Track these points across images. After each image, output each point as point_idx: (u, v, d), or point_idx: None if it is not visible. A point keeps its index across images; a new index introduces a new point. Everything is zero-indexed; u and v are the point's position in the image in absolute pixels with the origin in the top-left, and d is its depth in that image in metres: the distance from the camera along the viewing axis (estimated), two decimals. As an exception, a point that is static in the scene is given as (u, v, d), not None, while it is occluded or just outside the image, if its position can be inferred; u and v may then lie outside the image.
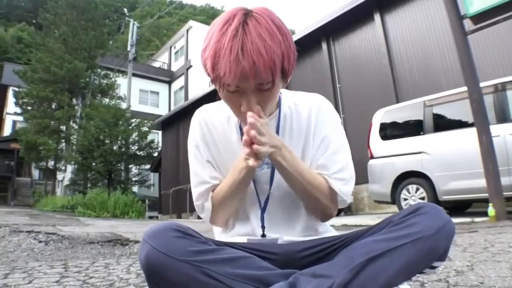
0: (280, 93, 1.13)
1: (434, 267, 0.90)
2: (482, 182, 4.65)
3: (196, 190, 1.09)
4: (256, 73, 0.86)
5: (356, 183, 1.09)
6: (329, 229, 1.14)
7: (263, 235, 1.05)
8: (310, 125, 1.09)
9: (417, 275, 0.91)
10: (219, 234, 1.16)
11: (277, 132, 1.07)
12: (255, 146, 0.88)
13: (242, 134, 1.06)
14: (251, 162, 0.89)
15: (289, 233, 1.06)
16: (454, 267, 1.92)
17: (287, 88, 1.05)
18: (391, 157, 6.04)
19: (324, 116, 1.10)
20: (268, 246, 1.01)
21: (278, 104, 1.10)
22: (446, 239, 0.86)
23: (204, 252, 0.85)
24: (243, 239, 1.05)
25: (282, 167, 0.98)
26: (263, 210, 1.06)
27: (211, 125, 1.12)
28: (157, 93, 30.92)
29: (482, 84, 4.87)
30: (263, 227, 1.05)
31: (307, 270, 0.84)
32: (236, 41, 0.85)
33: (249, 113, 0.89)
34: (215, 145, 1.11)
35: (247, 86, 0.89)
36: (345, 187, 1.04)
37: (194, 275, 0.82)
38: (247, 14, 0.89)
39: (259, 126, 0.89)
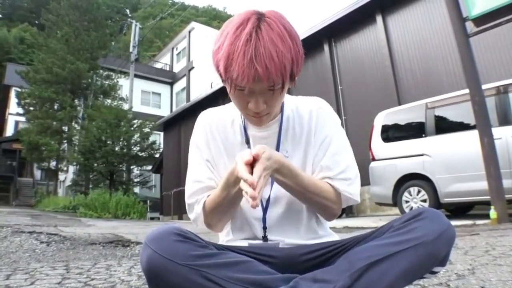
0: None
1: (434, 272, 0.90)
2: (484, 185, 4.64)
3: (189, 188, 1.10)
4: (268, 77, 0.89)
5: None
6: (329, 233, 1.14)
7: (265, 237, 1.05)
8: (311, 127, 1.11)
9: (418, 279, 0.91)
10: (221, 237, 1.16)
11: (279, 134, 1.09)
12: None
13: (246, 137, 1.09)
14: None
15: (290, 236, 1.06)
16: (455, 271, 1.91)
17: (289, 91, 1.07)
18: (392, 159, 6.03)
19: (324, 117, 1.12)
20: (269, 250, 1.01)
21: (281, 108, 1.12)
22: (446, 244, 0.86)
23: (205, 256, 0.85)
24: (244, 243, 1.06)
25: (283, 184, 1.00)
26: (264, 212, 1.07)
27: (215, 128, 1.14)
28: (159, 94, 30.98)
29: (484, 86, 4.87)
30: (264, 228, 1.06)
31: (308, 275, 0.84)
32: (250, 46, 0.88)
33: (250, 193, 0.81)
34: (218, 148, 1.12)
35: (258, 88, 0.92)
36: (350, 186, 1.05)
37: (194, 279, 0.82)
38: (260, 18, 0.92)
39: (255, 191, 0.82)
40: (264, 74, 0.88)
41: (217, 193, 1.02)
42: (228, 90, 0.99)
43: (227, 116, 1.15)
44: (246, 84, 0.91)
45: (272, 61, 0.88)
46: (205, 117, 1.17)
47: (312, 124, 1.11)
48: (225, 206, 1.02)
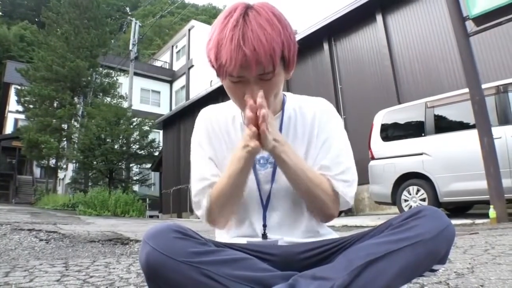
0: (285, 95, 1.15)
1: (434, 270, 0.90)
2: (483, 184, 4.64)
3: (195, 186, 1.08)
4: (257, 60, 0.88)
5: (357, 184, 1.10)
6: (329, 232, 1.14)
7: (264, 234, 1.05)
8: (313, 128, 1.10)
9: (417, 277, 0.91)
10: (220, 235, 1.15)
11: (280, 132, 1.08)
12: (262, 127, 0.89)
13: None
14: (253, 143, 0.90)
15: (290, 234, 1.06)
16: (454, 270, 1.91)
17: (289, 89, 1.06)
18: (392, 158, 6.03)
19: (328, 119, 1.12)
20: (268, 248, 1.00)
21: (282, 105, 1.12)
22: (446, 242, 0.85)
23: (204, 253, 0.85)
24: (243, 241, 1.05)
25: (284, 164, 0.98)
26: (264, 209, 1.07)
27: (216, 125, 1.13)
28: (159, 92, 30.95)
29: (484, 86, 4.87)
30: (264, 226, 1.05)
31: (307, 272, 0.84)
32: (237, 31, 0.88)
33: (260, 93, 0.90)
34: (219, 144, 1.12)
35: (249, 74, 0.92)
36: (348, 189, 1.05)
37: (193, 276, 0.82)
38: (248, 7, 0.93)
39: (268, 109, 0.90)
40: (252, 57, 0.87)
41: (222, 176, 1.03)
42: (222, 83, 0.98)
43: (228, 113, 1.14)
44: (235, 69, 0.90)
45: (260, 43, 0.87)
46: (206, 113, 1.17)
47: (315, 124, 1.10)
48: (230, 187, 1.01)
